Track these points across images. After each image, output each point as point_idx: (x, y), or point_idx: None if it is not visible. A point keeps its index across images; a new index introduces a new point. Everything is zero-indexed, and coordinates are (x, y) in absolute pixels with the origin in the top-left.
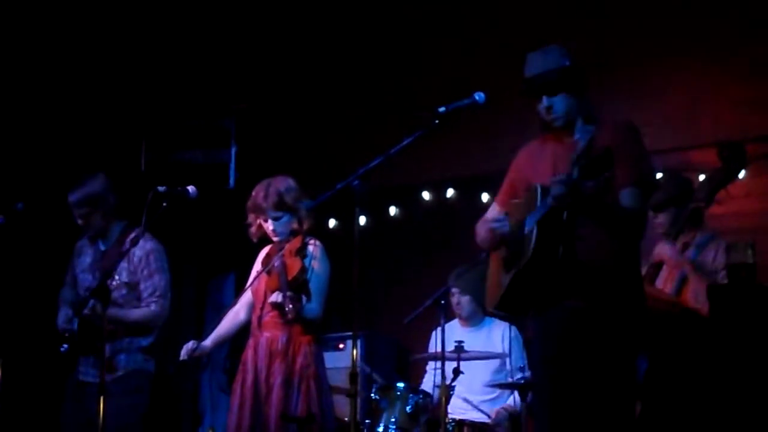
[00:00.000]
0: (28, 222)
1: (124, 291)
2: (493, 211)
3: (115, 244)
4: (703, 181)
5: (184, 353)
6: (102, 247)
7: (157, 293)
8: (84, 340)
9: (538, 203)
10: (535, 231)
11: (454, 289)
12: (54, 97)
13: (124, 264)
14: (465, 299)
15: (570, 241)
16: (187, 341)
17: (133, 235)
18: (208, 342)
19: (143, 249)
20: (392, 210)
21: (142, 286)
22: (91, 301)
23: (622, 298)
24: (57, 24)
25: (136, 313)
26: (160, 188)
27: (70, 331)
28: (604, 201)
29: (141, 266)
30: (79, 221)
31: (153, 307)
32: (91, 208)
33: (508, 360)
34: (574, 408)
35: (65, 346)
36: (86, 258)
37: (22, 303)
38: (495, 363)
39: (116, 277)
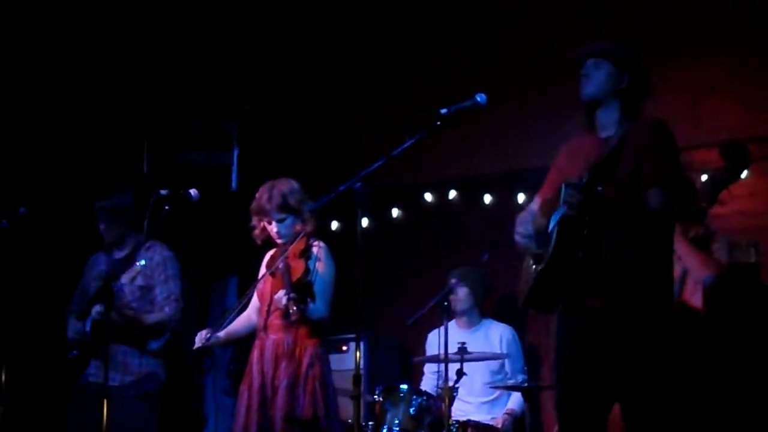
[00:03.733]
0: (31, 226)
1: (137, 294)
2: (535, 205)
3: (130, 254)
4: (706, 181)
5: (198, 340)
6: (116, 256)
7: (172, 297)
8: (96, 342)
9: (561, 203)
10: (555, 231)
11: (453, 280)
12: (56, 100)
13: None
14: (463, 291)
15: (592, 241)
16: (190, 343)
17: (147, 245)
18: (221, 334)
19: (161, 255)
20: (394, 212)
21: (157, 290)
22: (98, 306)
23: (647, 300)
24: (59, 27)
25: (153, 317)
26: (163, 191)
27: (81, 338)
28: (625, 202)
29: (158, 271)
30: (101, 226)
31: (167, 309)
32: (115, 217)
33: (507, 361)
34: (589, 407)
35: (74, 351)
36: (100, 267)
37: (24, 307)
38: (494, 364)
39: (122, 280)
